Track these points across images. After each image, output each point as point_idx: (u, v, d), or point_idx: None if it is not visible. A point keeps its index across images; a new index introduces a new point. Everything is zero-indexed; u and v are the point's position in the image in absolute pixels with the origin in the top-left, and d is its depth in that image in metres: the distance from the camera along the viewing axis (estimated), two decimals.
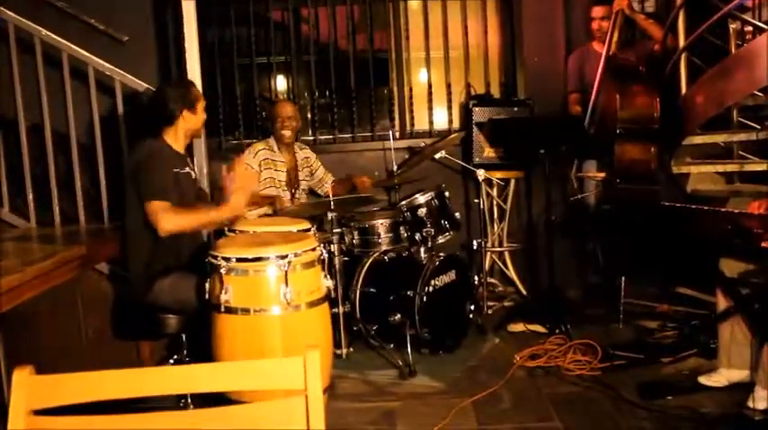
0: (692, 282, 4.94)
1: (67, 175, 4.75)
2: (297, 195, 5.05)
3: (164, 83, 4.34)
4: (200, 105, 3.80)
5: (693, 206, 3.66)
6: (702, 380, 3.73)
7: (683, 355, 4.13)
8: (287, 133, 4.96)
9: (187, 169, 3.80)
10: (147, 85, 4.68)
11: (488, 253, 5.70)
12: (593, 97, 5.08)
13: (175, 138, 3.76)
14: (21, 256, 3.65)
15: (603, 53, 5.09)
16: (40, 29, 4.64)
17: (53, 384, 1.61)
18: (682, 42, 4.57)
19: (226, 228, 3.83)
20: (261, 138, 5.16)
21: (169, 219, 3.44)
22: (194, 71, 4.52)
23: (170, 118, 3.73)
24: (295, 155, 5.10)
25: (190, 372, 1.70)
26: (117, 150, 4.73)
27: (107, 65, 4.70)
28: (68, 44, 4.67)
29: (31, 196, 4.67)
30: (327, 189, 4.81)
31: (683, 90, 4.60)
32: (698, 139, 4.60)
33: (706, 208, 3.54)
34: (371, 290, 4.49)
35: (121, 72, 4.70)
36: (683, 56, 4.58)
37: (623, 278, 4.81)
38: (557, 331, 4.52)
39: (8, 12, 4.62)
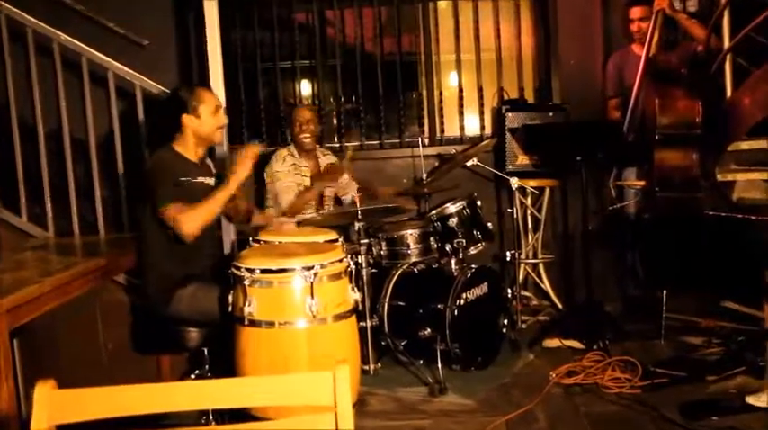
0: (738, 296, 4.88)
1: (87, 183, 4.80)
2: (323, 203, 5.08)
3: (173, 88, 4.37)
4: (206, 109, 3.76)
5: (740, 215, 3.62)
6: (750, 400, 3.68)
7: (729, 374, 4.07)
8: (306, 139, 4.99)
9: (201, 178, 3.80)
10: (167, 90, 4.72)
11: (522, 264, 5.68)
12: (632, 102, 5.05)
13: (185, 146, 3.78)
14: (39, 267, 3.69)
15: (643, 55, 5.06)
16: (59, 33, 4.71)
17: (76, 399, 1.63)
18: (726, 43, 4.54)
19: (250, 238, 3.85)
20: (283, 146, 5.19)
21: (188, 221, 3.46)
22: (216, 76, 4.56)
23: (176, 125, 3.76)
24: (318, 160, 5.13)
25: (213, 387, 1.71)
26: (137, 157, 4.77)
27: (127, 69, 4.75)
28: (87, 48, 4.73)
29: (49, 205, 4.73)
30: (352, 196, 4.83)
31: (728, 93, 4.56)
32: (744, 145, 4.56)
33: (753, 217, 3.50)
34: (400, 303, 4.49)
35: (141, 77, 4.75)
36: (727, 57, 4.54)
37: (665, 291, 4.77)
38: (594, 347, 4.48)
39: (26, 16, 4.70)
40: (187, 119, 3.74)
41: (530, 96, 6.10)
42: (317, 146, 5.17)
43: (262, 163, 4.84)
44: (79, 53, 4.72)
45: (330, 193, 5.18)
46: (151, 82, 4.76)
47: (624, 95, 5.34)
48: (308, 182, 4.99)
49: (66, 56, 4.78)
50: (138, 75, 4.75)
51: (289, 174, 4.93)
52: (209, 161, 4.03)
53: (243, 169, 3.66)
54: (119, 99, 4.77)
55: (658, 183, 4.71)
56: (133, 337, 4.13)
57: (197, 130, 3.77)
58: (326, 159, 5.20)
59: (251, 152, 3.71)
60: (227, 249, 4.44)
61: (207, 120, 3.78)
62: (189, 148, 3.79)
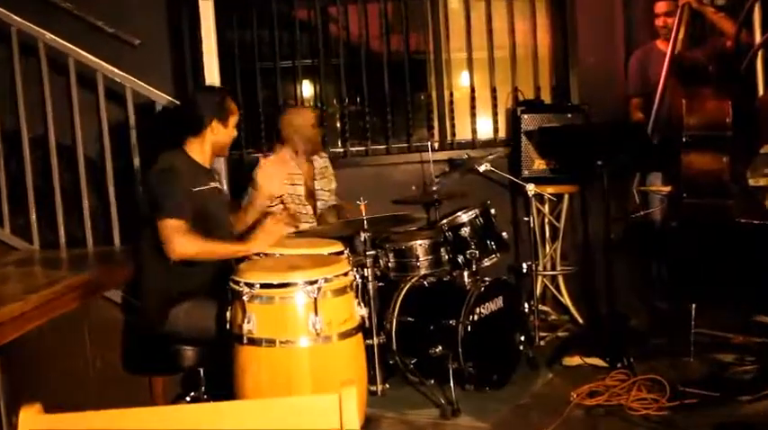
0: None
1: (74, 193, 4.80)
2: (318, 208, 5.07)
3: (196, 88, 4.38)
4: (234, 119, 3.83)
5: None
6: None
7: (765, 393, 4.06)
8: (317, 139, 5.02)
9: (212, 184, 3.82)
10: (159, 93, 4.74)
11: (540, 277, 5.66)
12: (656, 102, 5.04)
13: (201, 151, 3.79)
14: (23, 283, 3.71)
15: (668, 52, 5.05)
16: (45, 32, 4.72)
17: (62, 423, 1.62)
18: (758, 38, 4.53)
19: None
20: (271, 152, 5.15)
21: (181, 243, 3.47)
22: (212, 77, 4.57)
23: (198, 127, 3.76)
24: (312, 163, 5.14)
25: (209, 411, 1.71)
26: (128, 165, 4.78)
27: (117, 71, 4.76)
28: (75, 48, 4.74)
29: (34, 216, 4.74)
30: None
31: (760, 91, 4.55)
32: None
33: None
34: (409, 319, 4.47)
35: (133, 79, 4.76)
36: (759, 53, 4.54)
37: (693, 304, 4.74)
38: (618, 365, 4.46)
39: (10, 14, 4.71)
40: (216, 125, 3.76)
41: (546, 97, 6.10)
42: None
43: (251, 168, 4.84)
44: (66, 53, 4.74)
45: (326, 198, 5.14)
46: (142, 84, 4.77)
47: (648, 95, 5.33)
48: (300, 190, 4.98)
49: (52, 56, 4.79)
50: (128, 76, 4.76)
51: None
52: (215, 165, 4.06)
53: (265, 240, 3.67)
54: (108, 102, 4.78)
55: (686, 188, 4.70)
56: (124, 357, 4.13)
57: (219, 139, 3.81)
58: (322, 162, 5.20)
59: (280, 228, 3.73)
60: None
61: (231, 131, 3.83)
62: (204, 154, 3.81)
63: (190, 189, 3.62)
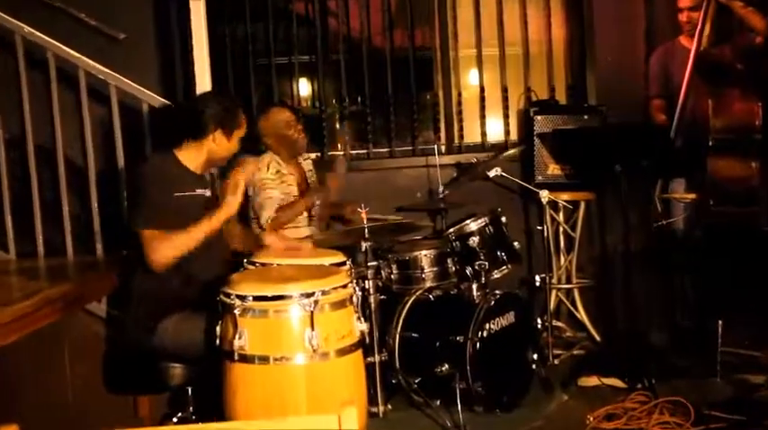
0: None
1: (53, 198, 4.79)
2: (313, 213, 5.06)
3: (209, 92, 4.36)
4: (239, 134, 3.82)
5: None
6: None
7: None
8: (303, 140, 5.02)
9: (199, 191, 3.80)
10: (146, 91, 4.73)
11: (554, 290, 5.65)
12: (680, 102, 5.02)
13: (195, 158, 3.78)
14: None
15: (693, 49, 5.04)
16: (23, 25, 4.72)
17: None
18: None
19: (244, 260, 3.84)
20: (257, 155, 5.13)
21: (157, 250, 3.48)
22: (203, 74, 4.57)
23: (199, 133, 3.74)
24: (300, 165, 5.14)
25: None
26: (112, 168, 4.77)
27: (100, 67, 4.76)
28: (55, 43, 4.74)
29: (9, 222, 4.73)
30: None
31: None
32: None
33: None
34: (414, 334, 4.46)
35: (117, 76, 4.76)
36: None
37: (720, 321, 4.73)
38: (638, 386, 4.45)
39: None
40: (219, 136, 3.75)
41: (561, 97, 6.10)
42: None
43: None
44: (46, 48, 4.73)
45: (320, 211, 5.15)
46: (128, 81, 4.76)
47: (670, 96, 5.32)
48: (294, 192, 4.97)
49: (30, 51, 4.79)
50: (112, 73, 4.76)
51: (274, 182, 4.90)
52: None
53: (234, 199, 3.64)
54: (91, 101, 4.77)
55: (712, 195, 4.68)
56: (106, 375, 4.11)
57: (216, 152, 3.80)
58: (307, 165, 5.22)
59: (241, 175, 3.69)
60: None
61: (231, 148, 3.83)
62: (196, 161, 3.80)
63: (173, 195, 3.60)
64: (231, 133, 3.77)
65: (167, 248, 3.50)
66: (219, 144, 3.76)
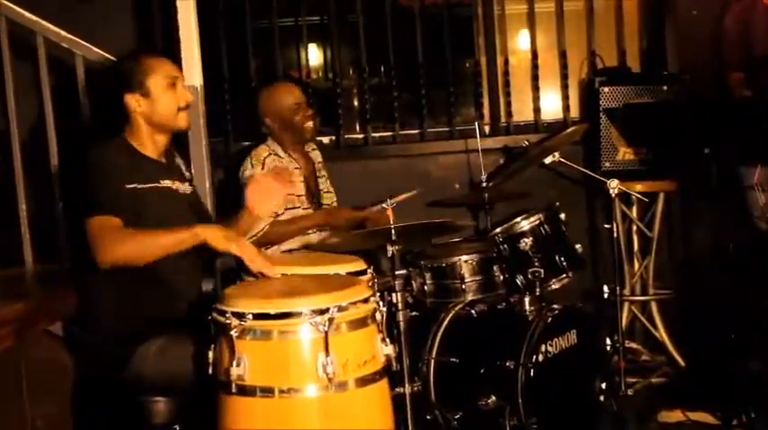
0: None
1: (8, 194, 4.83)
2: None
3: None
4: (158, 83, 3.76)
5: None
6: None
7: None
8: (310, 125, 5.01)
9: (168, 182, 3.80)
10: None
11: (626, 304, 5.65)
12: None
13: (138, 137, 3.79)
14: None
15: None
16: None
17: None
18: None
19: (241, 271, 3.86)
20: (257, 144, 5.13)
21: (112, 244, 3.42)
22: (189, 41, 4.58)
23: (121, 110, 3.77)
24: (308, 155, 5.17)
25: None
26: (79, 156, 4.79)
27: (63, 33, 4.78)
28: (8, 4, 4.75)
29: None
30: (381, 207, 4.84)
31: None
32: None
33: None
34: (453, 360, 4.47)
35: (84, 43, 4.78)
36: None
37: None
38: (734, 422, 4.46)
39: None
40: (132, 99, 3.74)
41: (634, 64, 6.09)
42: None
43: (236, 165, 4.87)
44: None
45: (329, 200, 5.16)
46: (96, 49, 4.79)
47: (755, 68, 5.24)
48: (299, 189, 4.95)
49: None
50: (78, 40, 4.78)
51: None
52: (179, 160, 4.05)
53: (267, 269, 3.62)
54: (52, 73, 4.80)
55: None
56: (75, 412, 4.15)
57: (148, 114, 3.76)
58: (316, 155, 5.23)
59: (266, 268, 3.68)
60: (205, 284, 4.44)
61: (160, 98, 3.77)
62: (144, 140, 3.79)
63: (123, 185, 3.58)
64: (143, 87, 3.74)
65: (119, 242, 3.44)
66: (142, 106, 3.74)
